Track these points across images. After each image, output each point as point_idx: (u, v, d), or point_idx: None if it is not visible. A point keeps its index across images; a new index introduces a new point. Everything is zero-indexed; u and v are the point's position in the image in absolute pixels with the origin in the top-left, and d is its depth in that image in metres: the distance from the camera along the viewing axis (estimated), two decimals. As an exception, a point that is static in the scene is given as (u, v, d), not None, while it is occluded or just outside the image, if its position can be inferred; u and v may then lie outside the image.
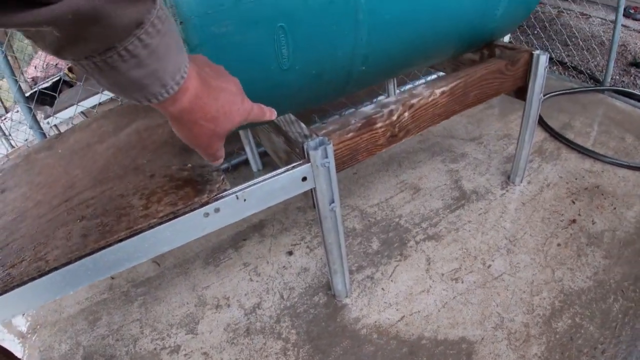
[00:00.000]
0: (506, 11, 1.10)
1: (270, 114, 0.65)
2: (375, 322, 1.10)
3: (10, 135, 2.43)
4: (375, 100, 2.14)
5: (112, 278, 1.36)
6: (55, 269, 0.70)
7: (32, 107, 1.48)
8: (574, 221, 1.32)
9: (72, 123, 1.74)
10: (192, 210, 0.73)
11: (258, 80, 0.79)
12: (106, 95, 1.95)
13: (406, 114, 0.96)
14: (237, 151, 1.85)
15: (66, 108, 2.12)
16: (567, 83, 2.16)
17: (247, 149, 1.72)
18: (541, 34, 2.90)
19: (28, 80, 2.91)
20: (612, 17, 2.94)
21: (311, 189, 0.85)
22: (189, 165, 0.86)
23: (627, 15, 3.08)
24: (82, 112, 2.12)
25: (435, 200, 1.47)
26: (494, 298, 1.11)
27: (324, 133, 0.86)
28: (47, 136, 1.48)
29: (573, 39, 2.79)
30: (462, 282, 1.17)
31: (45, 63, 3.00)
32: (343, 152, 0.89)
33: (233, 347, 1.09)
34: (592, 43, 2.72)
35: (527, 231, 1.30)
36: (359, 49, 0.86)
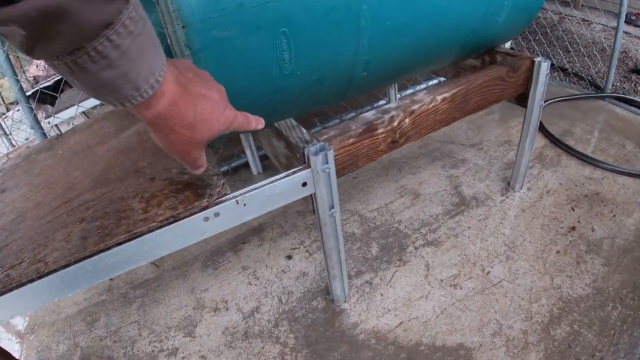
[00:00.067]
0: (508, 18, 1.11)
1: (257, 123, 0.64)
2: (374, 327, 1.10)
3: (10, 134, 2.43)
4: (376, 104, 2.14)
5: (111, 280, 1.36)
6: (55, 271, 0.70)
7: (33, 107, 1.48)
8: (573, 228, 1.32)
9: (73, 123, 1.74)
10: (192, 215, 0.73)
11: (259, 85, 0.79)
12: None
13: (407, 120, 0.96)
14: (237, 154, 1.85)
15: (67, 108, 2.12)
16: (568, 89, 2.16)
17: (248, 152, 1.72)
18: (542, 39, 2.90)
19: (29, 78, 2.91)
20: (613, 23, 2.96)
21: (311, 194, 0.85)
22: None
23: (628, 21, 3.08)
24: (83, 113, 2.12)
25: (435, 206, 1.47)
26: (493, 305, 1.11)
27: (324, 138, 0.86)
28: (48, 136, 1.48)
29: (574, 45, 2.79)
30: (461, 289, 1.16)
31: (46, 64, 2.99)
32: (343, 157, 0.89)
33: (231, 350, 1.09)
34: (594, 49, 2.72)
35: (526, 238, 1.30)
36: (360, 54, 0.86)
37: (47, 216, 0.86)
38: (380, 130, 0.92)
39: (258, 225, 1.49)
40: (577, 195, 1.44)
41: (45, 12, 0.31)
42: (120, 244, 0.71)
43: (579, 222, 1.34)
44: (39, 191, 0.97)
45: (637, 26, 3.13)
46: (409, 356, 1.02)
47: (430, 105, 1.00)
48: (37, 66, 3.05)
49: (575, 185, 1.49)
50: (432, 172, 1.65)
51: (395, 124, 0.94)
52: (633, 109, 1.92)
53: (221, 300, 1.24)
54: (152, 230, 0.72)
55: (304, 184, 0.81)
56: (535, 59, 1.15)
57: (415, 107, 0.96)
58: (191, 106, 0.49)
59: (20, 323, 1.30)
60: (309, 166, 0.79)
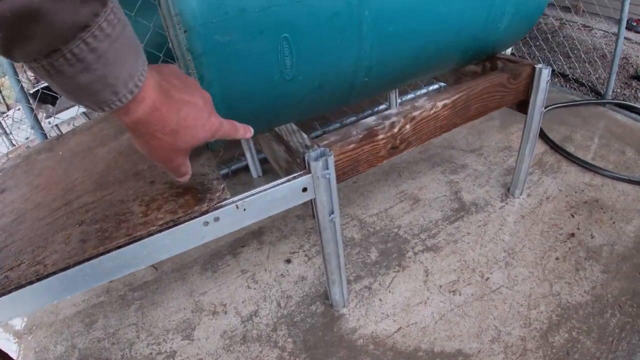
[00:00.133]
0: (509, 24, 1.11)
1: (245, 131, 0.63)
2: (372, 332, 1.09)
3: (11, 133, 2.43)
4: (376, 109, 2.15)
5: (110, 281, 1.36)
6: (54, 273, 0.70)
7: (34, 107, 1.48)
8: (572, 235, 1.32)
9: (74, 124, 1.74)
10: (191, 219, 0.73)
11: (261, 90, 0.79)
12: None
13: (408, 126, 0.96)
14: (237, 157, 1.85)
15: (68, 108, 2.12)
16: (568, 95, 2.16)
17: (248, 155, 1.72)
18: (543, 45, 2.91)
19: (31, 78, 2.91)
20: (614, 29, 2.96)
21: (311, 199, 0.85)
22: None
23: (629, 27, 3.09)
24: (84, 113, 2.12)
25: (435, 211, 1.47)
26: (492, 311, 1.11)
27: (325, 144, 0.86)
28: (48, 136, 1.48)
29: (575, 51, 2.80)
30: (460, 295, 1.16)
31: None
32: (344, 163, 0.89)
33: (229, 354, 1.09)
34: (594, 55, 2.73)
35: (525, 244, 1.30)
36: (362, 60, 0.86)
37: (46, 218, 0.86)
38: (380, 136, 0.92)
39: (257, 229, 1.49)
40: (577, 202, 1.44)
41: (20, 13, 0.31)
42: (119, 247, 0.71)
43: (578, 228, 1.34)
44: (38, 192, 0.97)
45: (638, 32, 3.14)
46: (407, 362, 1.02)
47: (431, 112, 1.00)
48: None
49: (575, 192, 1.49)
50: (432, 178, 1.65)
51: (396, 130, 0.94)
52: (633, 115, 1.92)
53: (220, 303, 1.23)
54: (151, 234, 0.72)
55: (304, 189, 0.81)
56: (536, 66, 1.15)
57: (416, 113, 0.97)
58: (174, 112, 0.48)
59: (18, 323, 1.29)
60: (309, 171, 0.79)
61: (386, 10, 0.83)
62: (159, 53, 1.27)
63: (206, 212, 0.73)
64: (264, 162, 1.80)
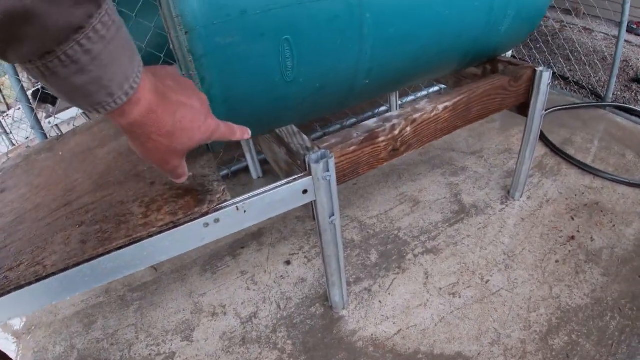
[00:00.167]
0: (510, 27, 1.11)
1: (242, 133, 0.63)
2: (372, 335, 1.09)
3: (11, 132, 2.42)
4: (376, 111, 2.15)
5: (109, 282, 1.36)
6: (53, 274, 0.70)
7: (34, 107, 1.48)
8: (572, 238, 1.32)
9: (73, 124, 1.74)
10: (192, 220, 0.73)
11: (261, 92, 0.79)
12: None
13: (408, 128, 0.96)
14: (237, 158, 1.85)
15: (68, 108, 2.12)
16: (568, 98, 2.17)
17: (248, 156, 1.72)
18: (544, 47, 2.91)
19: (30, 77, 2.90)
20: (614, 32, 2.97)
21: (311, 202, 0.85)
22: (190, 174, 0.86)
23: (629, 30, 3.09)
24: (84, 113, 2.12)
25: (435, 214, 1.47)
26: (491, 314, 1.11)
27: (325, 146, 0.86)
28: (48, 136, 1.48)
29: (575, 54, 2.80)
30: (460, 297, 1.16)
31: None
32: (344, 165, 0.89)
33: (228, 355, 1.08)
34: (595, 58, 2.73)
35: (525, 247, 1.30)
36: (362, 62, 0.86)
37: (46, 218, 0.85)
38: (381, 139, 0.92)
39: (257, 230, 1.49)
40: (577, 205, 1.44)
41: (13, 14, 0.31)
42: (119, 248, 0.71)
43: (578, 231, 1.34)
44: (38, 192, 0.97)
45: (638, 35, 3.14)
46: (407, 364, 1.02)
47: (432, 114, 1.00)
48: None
49: (575, 195, 1.49)
50: (432, 180, 1.65)
51: (397, 132, 0.94)
52: (633, 118, 1.92)
53: (219, 304, 1.23)
54: (151, 236, 0.71)
55: (305, 192, 0.81)
56: (537, 69, 1.15)
57: (416, 115, 0.96)
58: (170, 114, 0.48)
59: (17, 323, 1.29)
60: (309, 173, 0.79)
61: (387, 12, 0.83)
62: (160, 54, 1.27)
63: (206, 213, 0.73)
64: (264, 163, 1.80)
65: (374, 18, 0.81)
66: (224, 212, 0.74)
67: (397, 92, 1.96)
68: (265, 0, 0.71)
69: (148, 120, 0.46)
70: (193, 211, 0.73)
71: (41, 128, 1.48)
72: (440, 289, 1.19)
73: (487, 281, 1.20)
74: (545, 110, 1.24)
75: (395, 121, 0.93)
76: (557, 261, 1.24)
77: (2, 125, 2.31)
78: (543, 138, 1.79)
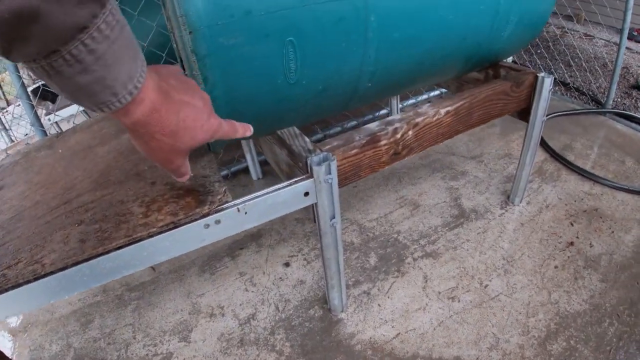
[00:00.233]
0: (513, 33, 1.11)
1: (244, 130, 0.63)
2: (371, 338, 1.09)
3: (10, 129, 2.42)
4: (377, 114, 2.15)
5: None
6: (52, 273, 0.69)
7: (35, 104, 1.47)
8: (571, 243, 1.32)
9: (73, 122, 1.74)
10: (192, 221, 0.72)
11: (264, 93, 0.79)
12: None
13: (410, 132, 0.96)
14: (237, 158, 1.84)
15: (68, 106, 2.12)
16: (569, 104, 2.17)
17: (248, 157, 1.72)
18: (545, 53, 2.92)
19: (31, 74, 2.90)
20: (615, 38, 2.98)
21: (312, 204, 0.85)
22: (191, 174, 0.86)
23: (630, 37, 3.10)
24: (84, 111, 2.11)
25: (434, 218, 1.47)
26: (490, 318, 1.11)
27: (327, 148, 0.86)
28: (48, 134, 1.47)
29: (576, 60, 2.81)
30: (459, 301, 1.16)
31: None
32: (346, 168, 0.89)
33: (226, 357, 1.08)
34: (595, 64, 2.74)
35: (525, 252, 1.30)
36: (366, 66, 0.86)
37: (45, 216, 0.85)
38: (383, 142, 0.92)
39: (256, 232, 1.49)
40: (576, 211, 1.44)
41: (18, 14, 0.31)
42: (119, 248, 0.71)
43: (577, 237, 1.34)
44: (37, 190, 0.97)
45: (639, 42, 3.15)
46: (405, 368, 1.01)
47: (434, 118, 1.00)
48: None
49: (575, 201, 1.49)
50: (432, 184, 1.65)
51: (399, 136, 0.94)
52: (633, 125, 1.93)
53: (217, 305, 1.23)
54: (152, 236, 0.71)
55: (306, 194, 0.80)
56: (538, 75, 1.15)
57: (419, 119, 0.96)
58: (173, 113, 0.48)
59: (13, 321, 1.28)
60: (311, 176, 0.79)
61: (392, 16, 0.83)
62: (162, 53, 1.27)
63: (207, 214, 0.73)
64: (264, 164, 1.79)
65: (379, 21, 0.81)
66: (225, 214, 0.74)
67: (398, 95, 1.96)
68: (270, 1, 0.71)
69: (152, 120, 0.47)
70: (194, 212, 0.73)
71: (41, 125, 1.47)
72: (439, 293, 1.19)
73: (486, 286, 1.20)
74: (546, 116, 1.25)
75: (397, 125, 0.93)
76: (556, 267, 1.24)
77: (2, 121, 2.31)
78: (543, 143, 1.79)
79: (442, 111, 1.01)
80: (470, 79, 1.33)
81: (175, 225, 0.72)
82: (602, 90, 2.44)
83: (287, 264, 1.35)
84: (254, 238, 1.46)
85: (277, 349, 1.09)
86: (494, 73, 1.27)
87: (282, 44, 0.75)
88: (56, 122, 2.12)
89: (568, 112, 2.05)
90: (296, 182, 0.79)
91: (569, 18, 3.15)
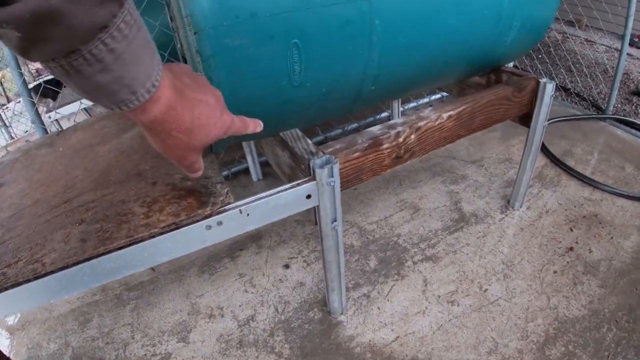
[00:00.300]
0: (516, 38, 1.11)
1: (254, 126, 0.64)
2: (370, 341, 1.09)
3: (10, 125, 2.41)
4: (378, 116, 2.15)
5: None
6: (52, 272, 0.69)
7: (36, 101, 1.47)
8: (571, 249, 1.32)
9: (75, 120, 1.74)
10: (194, 222, 0.72)
11: (268, 95, 0.79)
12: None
13: (413, 136, 0.96)
14: (238, 159, 1.84)
15: (69, 103, 2.11)
16: (569, 109, 2.17)
17: (249, 157, 1.72)
18: (546, 58, 2.93)
19: (32, 71, 2.90)
20: (616, 44, 2.98)
21: (314, 206, 0.84)
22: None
23: (631, 43, 3.11)
24: (84, 109, 2.11)
25: (435, 221, 1.47)
26: (489, 323, 1.11)
27: (330, 151, 0.86)
28: (49, 131, 1.47)
29: (577, 65, 2.82)
30: (458, 305, 1.16)
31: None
32: (348, 171, 0.89)
33: (225, 358, 1.08)
34: (596, 70, 2.75)
35: (524, 257, 1.30)
36: (370, 69, 0.86)
37: (45, 215, 0.85)
38: (385, 145, 0.92)
39: (256, 233, 1.49)
40: (576, 216, 1.45)
41: (39, 14, 0.31)
42: (120, 248, 0.71)
43: (576, 242, 1.34)
44: (37, 188, 0.96)
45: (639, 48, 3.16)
46: (404, 372, 1.01)
47: (437, 123, 1.00)
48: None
49: (574, 206, 1.49)
50: (433, 187, 1.65)
51: (401, 139, 0.94)
52: (633, 131, 1.93)
53: (217, 306, 1.23)
54: (153, 237, 0.71)
55: (308, 196, 0.80)
56: (540, 80, 1.16)
57: (421, 123, 0.97)
58: (188, 111, 0.49)
59: (10, 319, 1.28)
60: (314, 178, 0.79)
61: (396, 20, 0.83)
62: (164, 52, 1.26)
63: (209, 215, 0.73)
64: (264, 165, 1.79)
65: (384, 25, 0.81)
66: (227, 215, 0.74)
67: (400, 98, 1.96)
68: (276, 3, 0.71)
69: (168, 117, 0.47)
70: (196, 213, 0.73)
71: (42, 123, 1.47)
72: (439, 296, 1.19)
73: (486, 290, 1.20)
74: (547, 121, 1.25)
75: (399, 128, 0.93)
76: (555, 272, 1.25)
77: (2, 118, 2.30)
78: (543, 149, 1.79)
79: (445, 115, 1.01)
80: (472, 83, 1.33)
81: (177, 226, 0.72)
82: (603, 96, 2.44)
83: (286, 266, 1.34)
84: (254, 239, 1.46)
85: (277, 351, 1.08)
86: (496, 78, 1.27)
87: (287, 46, 0.75)
88: (56, 120, 2.12)
89: (569, 118, 2.06)
90: (298, 184, 0.79)
91: (570, 23, 3.16)
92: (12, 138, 2.33)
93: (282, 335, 1.12)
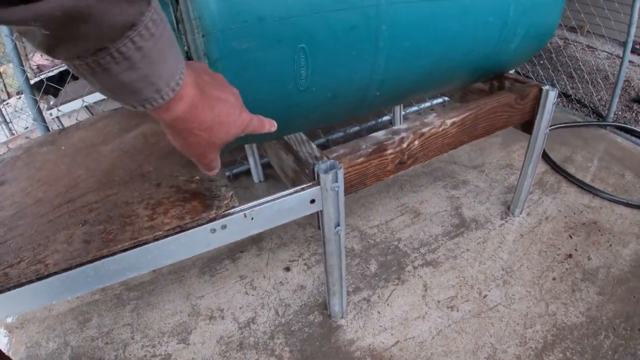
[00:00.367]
0: (520, 45, 1.12)
1: (270, 125, 0.64)
2: (370, 345, 1.09)
3: (11, 121, 2.40)
4: (380, 120, 2.15)
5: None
6: (55, 273, 0.69)
7: (38, 99, 1.47)
8: (570, 256, 1.33)
9: (77, 119, 1.73)
10: (199, 226, 0.72)
11: (274, 99, 0.79)
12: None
13: (416, 142, 0.96)
14: (240, 160, 1.84)
15: (70, 101, 2.11)
16: (570, 116, 2.18)
17: (251, 159, 1.72)
18: (547, 64, 2.94)
19: (33, 67, 2.89)
20: (617, 51, 3.00)
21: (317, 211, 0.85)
22: (197, 177, 0.86)
23: (632, 50, 3.11)
24: (86, 107, 2.10)
25: (435, 226, 1.48)
26: (488, 328, 1.12)
27: (334, 156, 0.86)
28: (50, 128, 1.46)
29: (578, 72, 2.83)
30: (458, 311, 1.17)
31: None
32: (352, 176, 0.89)
33: (224, 360, 1.08)
34: (597, 77, 2.76)
35: (523, 263, 1.31)
36: (375, 74, 0.86)
37: (48, 214, 0.84)
38: (389, 151, 0.92)
39: (257, 235, 1.48)
40: (575, 223, 1.45)
41: (70, 12, 0.31)
42: (124, 250, 0.71)
43: (575, 250, 1.35)
44: (39, 187, 0.96)
45: (640, 55, 3.17)
46: (403, 377, 1.02)
47: (440, 129, 1.00)
48: (41, 55, 3.03)
49: (574, 213, 1.50)
50: (434, 192, 1.65)
51: (405, 145, 0.95)
52: (633, 139, 1.94)
53: (217, 308, 1.23)
54: (157, 239, 0.71)
55: (312, 201, 0.81)
56: (543, 88, 1.16)
57: (425, 129, 0.97)
58: (209, 109, 0.49)
59: (9, 317, 1.27)
60: (318, 183, 0.79)
61: (403, 26, 0.83)
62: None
63: (214, 219, 0.73)
64: (266, 166, 1.79)
65: (390, 31, 0.81)
66: (232, 219, 0.74)
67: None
68: (284, 8, 0.71)
69: (190, 116, 0.47)
70: (200, 216, 0.73)
71: (43, 120, 1.47)
72: (439, 301, 1.20)
73: (485, 296, 1.21)
74: (548, 128, 1.25)
75: (404, 134, 0.94)
76: (554, 278, 1.25)
77: (2, 114, 2.30)
78: (544, 155, 1.80)
79: (448, 122, 1.01)
80: (475, 89, 1.33)
81: (182, 229, 0.72)
82: (604, 102, 2.45)
83: (287, 269, 1.35)
84: (254, 241, 1.46)
85: (277, 354, 1.09)
86: (499, 84, 1.27)
87: (294, 50, 0.75)
88: (57, 117, 2.11)
89: (569, 124, 2.06)
90: (302, 189, 0.79)
91: (572, 29, 3.17)
92: (13, 134, 2.32)
93: (282, 338, 1.12)
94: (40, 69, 2.85)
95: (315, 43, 0.76)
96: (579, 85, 2.67)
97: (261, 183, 1.79)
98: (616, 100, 2.06)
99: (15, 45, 1.37)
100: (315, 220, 0.89)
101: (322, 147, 1.88)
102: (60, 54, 0.36)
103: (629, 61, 2.89)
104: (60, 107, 2.10)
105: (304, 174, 0.85)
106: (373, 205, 1.60)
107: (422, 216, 1.53)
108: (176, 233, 0.71)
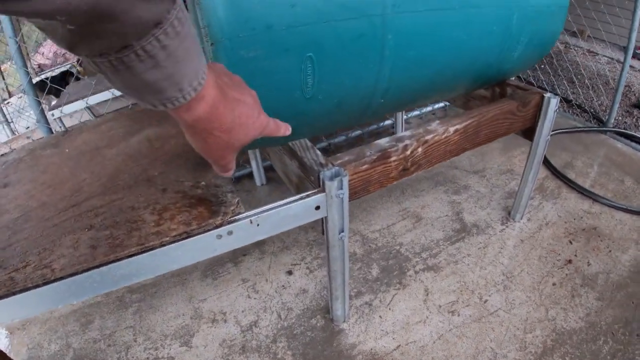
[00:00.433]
0: (523, 53, 1.12)
1: (285, 129, 0.64)
2: (371, 349, 1.10)
3: (12, 121, 2.40)
4: (381, 124, 2.15)
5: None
6: (61, 278, 0.69)
7: (41, 100, 1.47)
8: (569, 261, 1.34)
9: (79, 120, 1.73)
10: (205, 232, 0.73)
11: (281, 106, 0.79)
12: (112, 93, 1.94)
13: (420, 149, 0.97)
14: (242, 163, 1.84)
15: (72, 102, 2.11)
16: (570, 121, 2.19)
17: (253, 163, 1.72)
18: (548, 69, 2.95)
19: (34, 66, 2.89)
20: (618, 56, 3.00)
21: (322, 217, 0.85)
22: (203, 183, 0.86)
23: (633, 55, 3.12)
24: (88, 108, 2.10)
25: (436, 231, 1.48)
26: (489, 333, 1.12)
27: (339, 163, 0.87)
28: (53, 131, 1.46)
29: (579, 77, 2.84)
30: (459, 315, 1.17)
31: (52, 52, 2.97)
32: (356, 183, 0.90)
33: (226, 363, 1.08)
34: (598, 82, 2.76)
35: (524, 268, 1.31)
36: (380, 82, 0.87)
37: (53, 218, 0.85)
38: (393, 158, 0.93)
39: (259, 237, 1.49)
40: (575, 229, 1.46)
41: (97, 6, 0.30)
42: (130, 256, 0.71)
43: (575, 255, 1.36)
44: (44, 190, 0.96)
45: (641, 60, 3.18)
46: (405, 382, 1.02)
47: (443, 136, 1.01)
48: (42, 54, 3.03)
49: (574, 219, 1.51)
50: (435, 197, 1.66)
51: (408, 152, 0.95)
52: (633, 144, 1.95)
53: (219, 311, 1.23)
54: (164, 245, 0.71)
55: (317, 208, 0.81)
56: (544, 95, 1.17)
57: (428, 137, 0.98)
58: (229, 110, 0.49)
59: (12, 319, 1.28)
60: (323, 190, 0.80)
61: (408, 35, 0.84)
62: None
63: (220, 225, 0.73)
64: (268, 170, 1.80)
65: (396, 40, 0.82)
66: (238, 225, 0.74)
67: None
68: (292, 16, 0.71)
69: (211, 116, 0.47)
70: (207, 222, 0.74)
71: (46, 122, 1.47)
72: (440, 306, 1.20)
73: (486, 301, 1.21)
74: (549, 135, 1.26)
75: (407, 141, 0.94)
76: (554, 284, 1.26)
77: (4, 113, 2.29)
78: (545, 161, 1.80)
79: (452, 129, 1.02)
80: (477, 95, 1.34)
81: (188, 235, 0.72)
82: (604, 108, 2.46)
83: (290, 272, 1.35)
84: (257, 245, 1.47)
85: (279, 357, 1.09)
86: (501, 91, 1.28)
87: (301, 59, 0.75)
88: (59, 118, 2.11)
89: (570, 130, 2.07)
90: (307, 195, 0.80)
91: (573, 34, 3.18)
92: (14, 134, 2.32)
93: (284, 341, 1.13)
94: (41, 68, 2.85)
95: (322, 52, 0.76)
96: (580, 90, 2.67)
97: (263, 186, 1.79)
98: (617, 105, 2.07)
99: (19, 47, 1.37)
100: (318, 223, 0.90)
101: (324, 151, 1.89)
102: (82, 50, 0.35)
103: (630, 66, 2.91)
104: (62, 108, 2.10)
105: (309, 181, 0.86)
106: (375, 210, 1.61)
107: (424, 221, 1.54)
108: (183, 239, 0.72)
